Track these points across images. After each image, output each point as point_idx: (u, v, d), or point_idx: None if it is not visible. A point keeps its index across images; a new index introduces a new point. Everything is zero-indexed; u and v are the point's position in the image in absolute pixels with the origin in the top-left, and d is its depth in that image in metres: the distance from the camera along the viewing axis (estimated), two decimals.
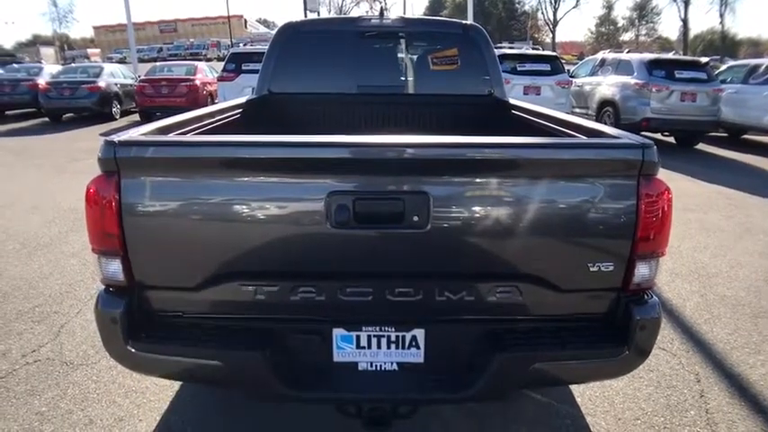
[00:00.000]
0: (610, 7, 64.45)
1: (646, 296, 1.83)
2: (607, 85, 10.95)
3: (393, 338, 1.82)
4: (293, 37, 3.65)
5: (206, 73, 14.14)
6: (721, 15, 50.40)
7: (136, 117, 13.66)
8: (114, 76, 13.82)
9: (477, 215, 1.65)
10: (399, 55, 3.75)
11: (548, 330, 1.79)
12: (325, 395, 1.82)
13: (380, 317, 1.78)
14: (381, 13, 3.65)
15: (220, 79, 11.79)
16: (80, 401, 2.68)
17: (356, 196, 1.59)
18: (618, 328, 1.79)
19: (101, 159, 1.62)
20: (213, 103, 13.80)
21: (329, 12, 66.23)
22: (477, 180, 1.65)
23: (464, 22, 3.82)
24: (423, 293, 1.73)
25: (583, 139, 1.94)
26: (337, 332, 1.80)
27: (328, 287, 1.71)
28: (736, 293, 4.02)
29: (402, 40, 3.72)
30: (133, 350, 1.71)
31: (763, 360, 3.17)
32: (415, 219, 1.61)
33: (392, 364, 1.84)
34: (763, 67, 10.31)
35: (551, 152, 1.65)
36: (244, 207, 1.64)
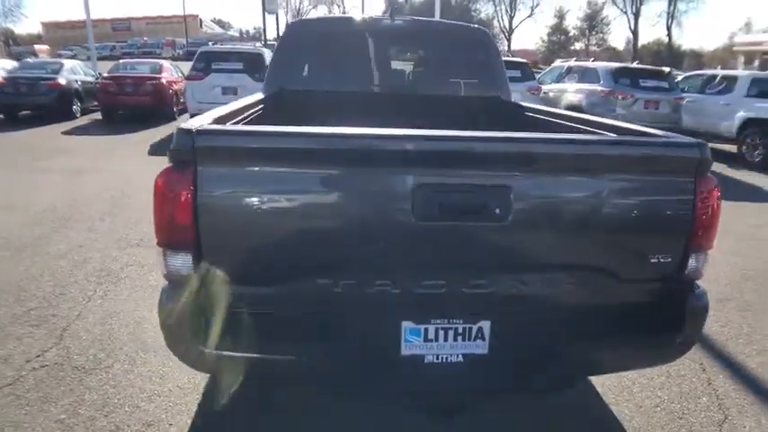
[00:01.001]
0: (561, 17, 66.56)
1: (695, 286, 1.93)
2: (574, 93, 11.33)
3: (460, 331, 1.84)
4: (306, 34, 3.63)
5: (172, 71, 13.76)
6: (668, 28, 53.22)
7: (97, 116, 13.12)
8: (75, 72, 13.23)
9: (553, 208, 1.70)
10: (410, 56, 3.79)
11: (609, 319, 1.86)
12: (393, 388, 1.83)
13: (449, 309, 1.81)
14: (392, 15, 3.68)
15: (189, 78, 11.50)
16: (101, 407, 2.57)
17: (442, 189, 1.62)
18: (672, 315, 1.88)
19: (175, 150, 1.57)
20: (179, 102, 13.45)
21: (286, 14, 65.59)
22: (555, 174, 1.70)
23: (472, 25, 3.90)
24: (493, 285, 1.77)
25: (648, 137, 2.03)
26: (406, 325, 1.81)
27: (403, 280, 1.72)
28: (720, 289, 4.26)
29: (412, 41, 3.76)
30: (204, 349, 1.66)
31: (758, 349, 3.38)
32: (497, 211, 1.64)
33: (457, 356, 1.87)
34: (719, 77, 10.95)
35: (622, 149, 1.73)
36: (326, 200, 1.63)
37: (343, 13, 73.79)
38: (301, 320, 1.73)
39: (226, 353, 1.68)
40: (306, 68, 3.65)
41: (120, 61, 14.72)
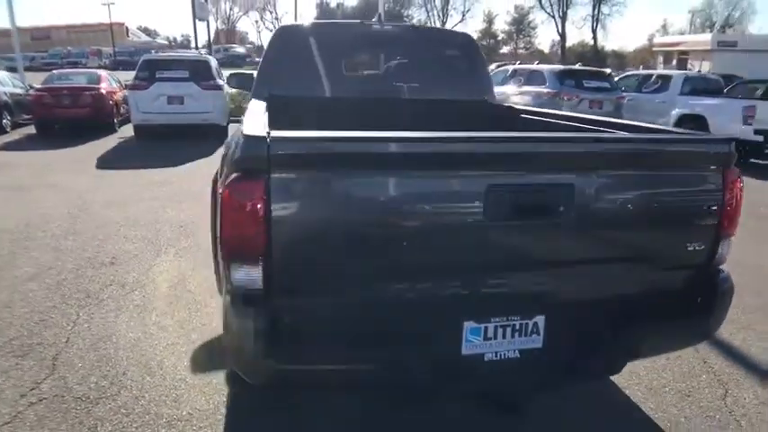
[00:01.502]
0: (490, 21, 68.67)
1: (721, 270, 2.06)
2: (520, 95, 11.74)
3: (517, 327, 1.87)
4: (295, 39, 3.58)
5: (110, 81, 13.11)
6: (594, 30, 56.27)
7: (30, 130, 12.27)
8: (3, 84, 12.33)
9: (609, 204, 1.78)
10: (397, 60, 3.80)
11: (652, 305, 1.95)
12: (455, 389, 1.83)
13: (509, 307, 1.83)
14: (380, 20, 3.69)
15: (132, 88, 11.00)
16: None
17: (514, 189, 1.65)
18: (705, 298, 2.00)
19: (247, 158, 1.51)
20: (119, 114, 12.84)
21: (216, 21, 64.01)
22: (612, 172, 1.78)
23: (458, 31, 3.97)
24: (551, 280, 1.81)
25: (687, 134, 2.14)
26: (468, 325, 1.82)
27: (470, 280, 1.73)
28: None
29: (402, 47, 3.78)
30: (276, 364, 1.60)
31: (738, 327, 3.62)
32: (562, 209, 1.69)
33: (514, 351, 1.90)
34: (654, 77, 11.68)
35: (668, 145, 1.83)
36: (399, 204, 1.62)
37: (276, 18, 72.98)
38: (371, 328, 1.70)
39: (296, 366, 1.62)
40: (296, 74, 3.59)
41: (55, 72, 13.84)
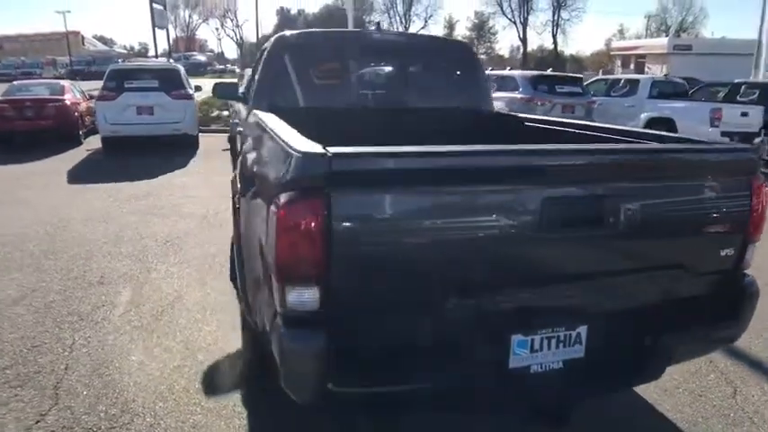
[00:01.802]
0: (451, 27, 69.48)
1: (747, 275, 2.12)
2: (494, 100, 11.89)
3: (562, 338, 1.87)
4: (295, 49, 3.52)
5: (74, 92, 12.66)
6: (554, 36, 57.78)
7: None
8: None
9: (651, 213, 1.80)
10: (399, 70, 3.79)
11: (688, 310, 1.99)
12: (503, 402, 1.82)
13: (555, 318, 1.83)
14: (378, 28, 3.67)
15: (100, 98, 10.64)
16: None
17: (568, 201, 1.65)
18: (734, 301, 2.05)
19: (305, 176, 1.46)
20: (84, 125, 12.41)
21: (174, 29, 62.82)
22: (655, 182, 1.81)
23: (457, 39, 3.99)
24: (595, 290, 1.82)
25: (719, 144, 2.19)
26: (515, 338, 1.81)
27: (521, 293, 1.72)
28: None
29: (401, 56, 3.76)
30: (332, 386, 1.55)
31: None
32: (611, 220, 1.70)
33: (558, 362, 1.90)
34: (622, 81, 12.03)
35: (703, 155, 1.88)
36: (459, 220, 1.60)
37: (237, 26, 72.06)
38: (426, 347, 1.67)
39: (352, 389, 1.58)
40: (300, 85, 3.54)
41: (15, 83, 13.24)
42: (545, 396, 1.90)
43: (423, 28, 67.50)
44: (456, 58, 3.84)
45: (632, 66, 35.60)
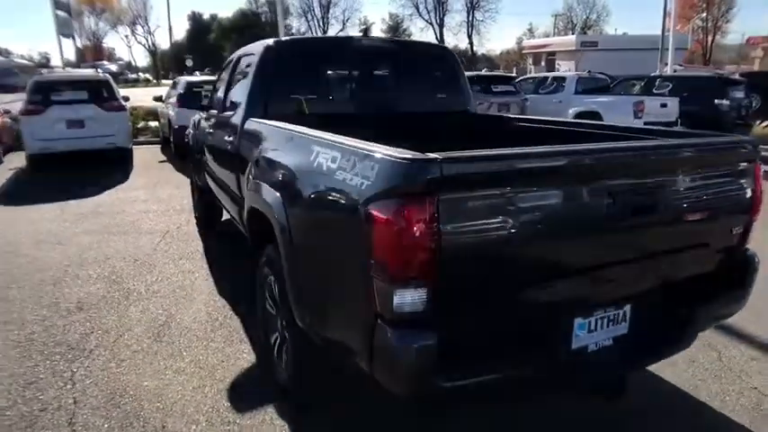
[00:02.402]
0: (367, 29, 70.04)
1: (749, 249, 2.40)
2: None
3: (611, 317, 2.05)
4: (288, 56, 3.51)
5: None
6: (469, 36, 59.89)
7: None
8: None
9: (688, 199, 2.03)
10: (387, 75, 3.87)
11: (709, 283, 2.24)
12: (572, 382, 1.96)
13: (609, 300, 2.01)
14: (365, 34, 3.73)
15: (25, 113, 9.85)
16: None
17: (629, 193, 1.85)
18: (741, 273, 2.32)
19: (417, 181, 1.52)
20: (2, 142, 11.45)
21: (80, 37, 58.97)
22: (691, 172, 2.05)
23: (440, 44, 4.13)
24: (641, 271, 2.02)
25: (732, 137, 2.46)
26: (577, 321, 1.97)
27: (588, 278, 1.88)
28: None
29: (388, 61, 3.85)
30: (441, 381, 1.64)
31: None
32: (661, 207, 1.92)
33: (609, 339, 2.08)
34: (550, 78, 12.76)
35: (721, 147, 2.14)
36: (546, 215, 1.75)
37: (149, 33, 68.80)
38: (520, 335, 1.82)
39: (459, 382, 1.66)
40: (294, 92, 3.53)
41: None
42: (599, 373, 2.07)
43: (341, 30, 67.67)
44: (441, 63, 3.98)
45: (543, 63, 37.59)
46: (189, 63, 45.66)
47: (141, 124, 15.18)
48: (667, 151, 2.00)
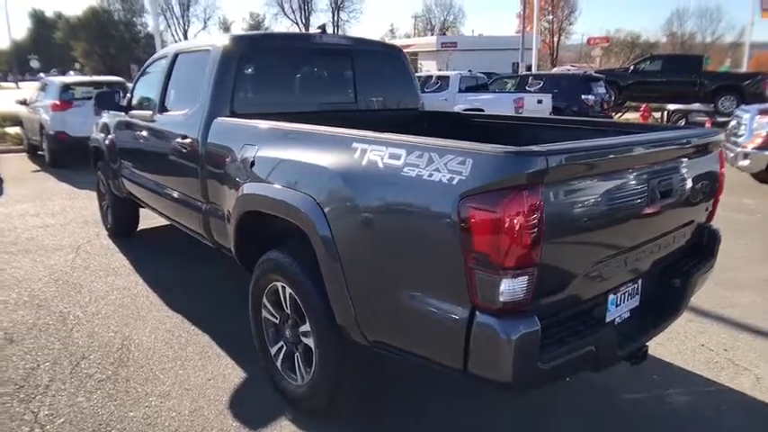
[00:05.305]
0: (227, 29, 66.54)
1: (713, 224, 2.82)
2: None
3: (630, 291, 2.32)
4: (250, 52, 3.35)
5: None
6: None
7: None
8: None
9: (692, 183, 2.36)
10: (348, 72, 3.83)
11: (694, 254, 2.62)
12: (621, 353, 2.16)
13: (632, 275, 2.27)
14: (324, 31, 3.68)
15: None
16: None
17: (665, 179, 2.14)
18: (709, 244, 2.73)
19: (517, 174, 1.60)
20: None
21: None
22: (693, 159, 2.39)
23: (391, 43, 4.19)
24: (653, 248, 2.31)
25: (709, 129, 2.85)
26: (611, 297, 2.20)
27: (630, 255, 2.14)
28: None
29: (348, 58, 3.82)
30: (543, 364, 1.74)
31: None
32: (687, 189, 2.28)
33: (627, 311, 2.34)
34: (434, 77, 13.43)
35: (706, 137, 2.50)
36: (617, 199, 1.96)
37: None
38: (591, 313, 2.07)
39: (555, 362, 1.78)
40: (259, 90, 3.38)
41: None
42: (626, 343, 2.31)
43: (203, 29, 64.28)
44: (393, 61, 4.05)
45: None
46: (34, 64, 40.54)
47: None
48: (684, 140, 2.33)
